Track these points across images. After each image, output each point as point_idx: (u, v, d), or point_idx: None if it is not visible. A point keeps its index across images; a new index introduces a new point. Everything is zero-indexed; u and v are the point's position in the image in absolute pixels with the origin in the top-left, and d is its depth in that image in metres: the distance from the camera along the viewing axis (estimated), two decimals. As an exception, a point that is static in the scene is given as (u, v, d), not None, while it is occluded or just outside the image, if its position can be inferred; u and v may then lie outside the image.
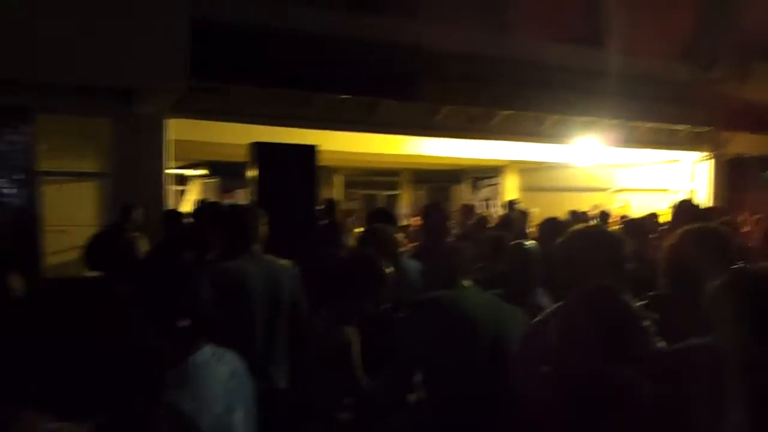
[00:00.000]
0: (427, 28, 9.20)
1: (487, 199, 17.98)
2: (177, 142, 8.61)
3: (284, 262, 3.86)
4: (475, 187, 18.77)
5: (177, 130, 8.21)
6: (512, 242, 3.94)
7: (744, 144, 12.18)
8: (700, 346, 2.14)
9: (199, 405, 1.88)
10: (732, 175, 12.66)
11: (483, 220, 7.67)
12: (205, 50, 6.64)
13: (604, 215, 9.88)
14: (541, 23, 9.78)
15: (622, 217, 9.80)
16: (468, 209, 9.60)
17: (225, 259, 3.71)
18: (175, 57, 6.31)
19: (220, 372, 2.07)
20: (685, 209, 3.97)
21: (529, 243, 3.83)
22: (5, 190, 7.03)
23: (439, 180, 19.81)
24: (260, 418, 2.28)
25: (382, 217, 4.92)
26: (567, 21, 10.30)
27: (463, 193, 18.98)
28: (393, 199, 20.42)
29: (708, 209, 4.96)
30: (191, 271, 2.19)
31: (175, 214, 6.59)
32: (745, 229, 6.70)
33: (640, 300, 2.78)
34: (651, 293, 2.79)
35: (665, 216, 6.71)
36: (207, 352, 2.07)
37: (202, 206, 8.49)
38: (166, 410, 1.83)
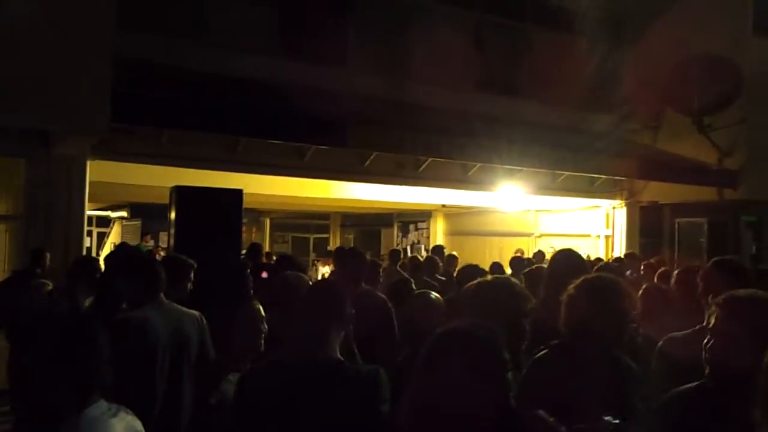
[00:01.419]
0: (356, 76, 9.37)
1: (415, 243, 18.15)
2: (97, 183, 8.33)
3: (191, 312, 3.76)
4: (404, 231, 18.93)
5: (97, 171, 7.96)
6: (418, 291, 3.92)
7: (657, 192, 12.78)
8: None
9: None
10: (645, 221, 13.25)
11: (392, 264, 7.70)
12: (128, 91, 6.50)
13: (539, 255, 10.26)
14: (462, 73, 10.10)
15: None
16: (395, 253, 9.65)
17: (131, 308, 3.61)
18: (97, 98, 6.14)
19: (115, 427, 2.05)
20: (562, 259, 4.09)
21: (434, 294, 3.78)
22: None
23: (369, 224, 19.90)
24: None
25: (289, 264, 4.95)
26: (489, 72, 10.68)
27: (393, 237, 19.09)
28: (322, 242, 20.35)
29: (586, 261, 5.12)
30: (86, 321, 2.16)
31: (85, 260, 6.31)
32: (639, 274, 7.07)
33: (542, 348, 2.87)
34: (553, 342, 2.85)
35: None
36: (102, 406, 2.04)
37: (113, 252, 8.27)
38: None
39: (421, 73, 9.71)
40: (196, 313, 3.78)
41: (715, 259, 3.53)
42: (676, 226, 12.99)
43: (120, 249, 8.30)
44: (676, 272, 4.44)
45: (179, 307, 3.78)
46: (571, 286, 2.90)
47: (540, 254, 10.62)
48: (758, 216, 12.51)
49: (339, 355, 2.47)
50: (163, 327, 3.51)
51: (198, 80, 7.99)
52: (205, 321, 3.75)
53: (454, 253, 11.15)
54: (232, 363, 2.93)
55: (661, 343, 3.19)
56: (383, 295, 4.66)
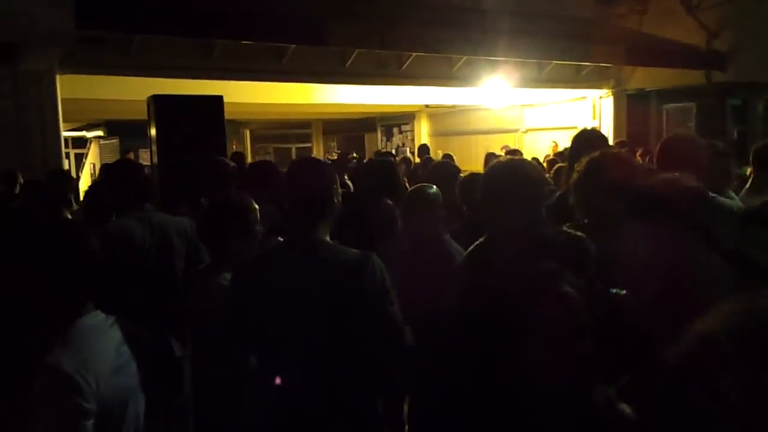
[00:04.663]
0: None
1: (399, 146, 17.96)
2: (69, 100, 7.99)
3: (180, 221, 3.58)
4: (388, 135, 18.67)
5: (68, 87, 7.61)
6: (414, 187, 3.78)
7: (645, 79, 12.57)
8: None
9: (82, 364, 1.73)
10: (633, 109, 13.10)
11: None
12: (93, -4, 6.09)
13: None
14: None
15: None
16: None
17: (116, 217, 3.46)
18: (60, 5, 5.74)
19: (112, 336, 1.90)
20: (584, 138, 3.91)
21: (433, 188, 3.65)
22: None
23: (352, 129, 19.57)
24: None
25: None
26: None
27: (377, 141, 18.85)
28: (305, 151, 20.06)
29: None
30: (73, 224, 1.97)
31: (61, 174, 6.07)
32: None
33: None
34: (567, 224, 2.74)
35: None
36: (99, 316, 1.90)
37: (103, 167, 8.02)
38: (45, 370, 1.70)
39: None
40: (185, 221, 3.59)
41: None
42: (664, 112, 12.87)
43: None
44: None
45: (167, 215, 3.63)
46: (579, 165, 2.77)
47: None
48: (742, 99, 12.40)
49: (328, 238, 2.37)
50: (144, 237, 3.33)
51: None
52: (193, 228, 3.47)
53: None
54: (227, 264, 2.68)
55: None
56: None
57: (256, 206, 2.76)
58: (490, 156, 7.95)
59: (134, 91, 8.32)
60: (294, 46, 8.67)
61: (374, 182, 4.18)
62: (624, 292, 2.31)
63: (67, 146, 16.27)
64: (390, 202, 4.00)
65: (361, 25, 8.14)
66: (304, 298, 2.23)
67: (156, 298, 3.21)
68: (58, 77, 7.28)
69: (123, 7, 6.36)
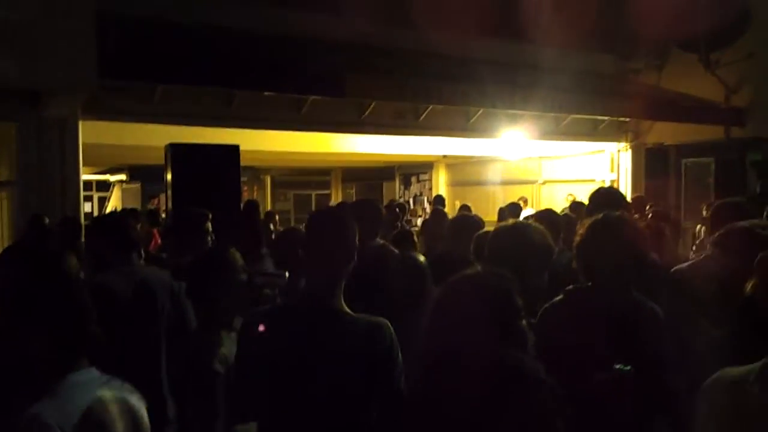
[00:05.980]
0: (351, 24, 9.08)
1: (417, 195, 18.05)
2: (91, 145, 8.15)
3: (166, 276, 3.46)
4: (406, 184, 18.77)
5: (91, 133, 7.77)
6: (404, 255, 3.71)
7: (663, 133, 12.55)
8: None
9: (65, 418, 1.70)
10: (651, 163, 13.05)
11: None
12: (116, 46, 6.27)
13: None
14: (463, 18, 9.80)
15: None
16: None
17: (100, 270, 3.37)
18: (83, 54, 5.92)
19: (103, 397, 1.85)
20: (601, 196, 3.92)
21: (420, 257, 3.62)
22: None
23: (370, 178, 19.72)
24: None
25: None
26: (489, 15, 10.35)
27: (395, 190, 18.95)
28: (324, 198, 20.22)
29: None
30: (73, 283, 1.94)
31: (67, 220, 6.07)
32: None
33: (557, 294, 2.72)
34: (569, 287, 2.71)
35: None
36: (91, 373, 1.87)
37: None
38: (27, 420, 1.68)
39: (418, 19, 9.42)
40: (168, 275, 3.46)
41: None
42: (683, 167, 12.80)
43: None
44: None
45: (154, 270, 3.54)
46: (581, 227, 2.76)
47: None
48: (763, 154, 12.30)
49: (343, 303, 2.28)
50: (124, 293, 3.21)
51: (186, 33, 7.74)
52: (182, 287, 3.24)
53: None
54: (218, 322, 2.66)
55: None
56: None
57: (239, 257, 2.76)
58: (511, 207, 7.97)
59: (156, 138, 8.49)
60: (313, 97, 8.83)
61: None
62: (629, 368, 2.28)
63: (90, 189, 16.59)
64: (382, 242, 3.97)
65: (378, 77, 8.28)
66: (318, 365, 2.16)
67: (135, 356, 3.03)
68: (80, 123, 7.45)
69: (145, 58, 6.54)
